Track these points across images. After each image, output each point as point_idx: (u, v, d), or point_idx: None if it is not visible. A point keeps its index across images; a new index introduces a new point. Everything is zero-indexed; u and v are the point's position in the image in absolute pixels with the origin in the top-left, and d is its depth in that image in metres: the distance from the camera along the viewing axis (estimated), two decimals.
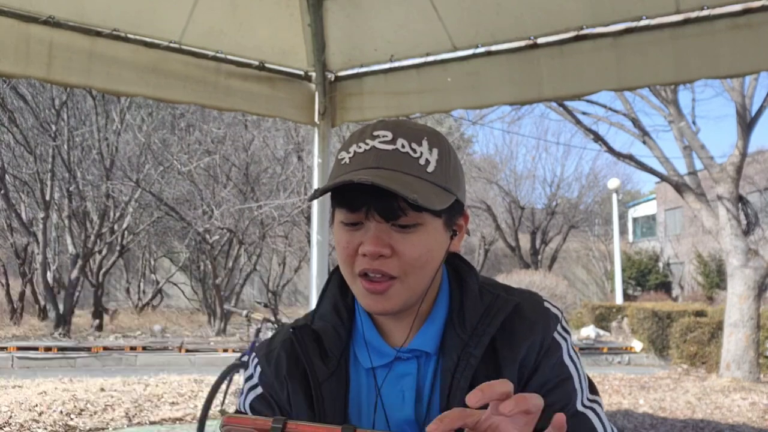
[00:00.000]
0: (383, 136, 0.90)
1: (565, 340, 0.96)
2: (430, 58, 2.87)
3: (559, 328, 0.96)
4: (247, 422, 0.64)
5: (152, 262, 19.51)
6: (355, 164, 0.89)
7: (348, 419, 0.95)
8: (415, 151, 0.89)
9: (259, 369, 1.02)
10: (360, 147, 0.91)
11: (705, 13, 2.33)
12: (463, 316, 0.94)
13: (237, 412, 1.02)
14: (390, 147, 0.89)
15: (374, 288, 0.90)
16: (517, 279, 15.65)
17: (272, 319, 5.11)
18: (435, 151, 0.91)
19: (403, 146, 0.89)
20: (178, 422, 6.19)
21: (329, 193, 0.91)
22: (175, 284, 19.35)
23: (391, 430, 0.93)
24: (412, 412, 0.94)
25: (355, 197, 0.88)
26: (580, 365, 0.95)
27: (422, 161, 0.89)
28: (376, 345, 0.97)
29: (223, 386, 4.66)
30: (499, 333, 0.93)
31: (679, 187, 9.86)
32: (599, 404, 0.94)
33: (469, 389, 0.89)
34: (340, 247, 0.92)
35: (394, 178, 0.86)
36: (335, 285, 1.02)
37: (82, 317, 15.12)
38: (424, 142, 0.90)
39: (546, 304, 0.97)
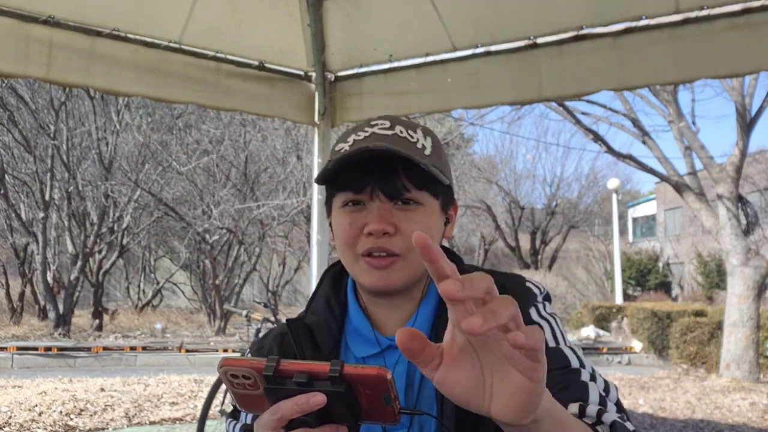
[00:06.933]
0: (381, 124, 0.95)
1: (544, 306, 0.97)
2: (430, 58, 2.87)
3: (539, 299, 0.97)
4: (243, 363, 0.66)
5: (152, 262, 19.49)
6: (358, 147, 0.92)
7: None
8: (412, 136, 0.94)
9: None
10: (359, 135, 0.94)
11: (704, 13, 2.33)
12: None
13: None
14: (389, 132, 0.94)
15: (378, 263, 0.92)
16: None
17: (272, 319, 5.11)
18: (429, 138, 0.96)
19: (401, 132, 0.94)
20: (177, 422, 6.19)
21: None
22: (174, 284, 19.33)
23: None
24: (403, 398, 0.95)
25: (359, 178, 0.91)
26: (556, 324, 0.95)
27: (419, 145, 0.94)
28: (369, 335, 0.98)
29: (223, 386, 4.66)
30: None
31: (679, 187, 9.86)
32: (579, 349, 0.95)
33: None
34: (341, 229, 0.94)
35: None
36: (328, 282, 1.05)
37: (81, 317, 15.10)
38: (419, 131, 0.96)
39: (528, 284, 0.99)
